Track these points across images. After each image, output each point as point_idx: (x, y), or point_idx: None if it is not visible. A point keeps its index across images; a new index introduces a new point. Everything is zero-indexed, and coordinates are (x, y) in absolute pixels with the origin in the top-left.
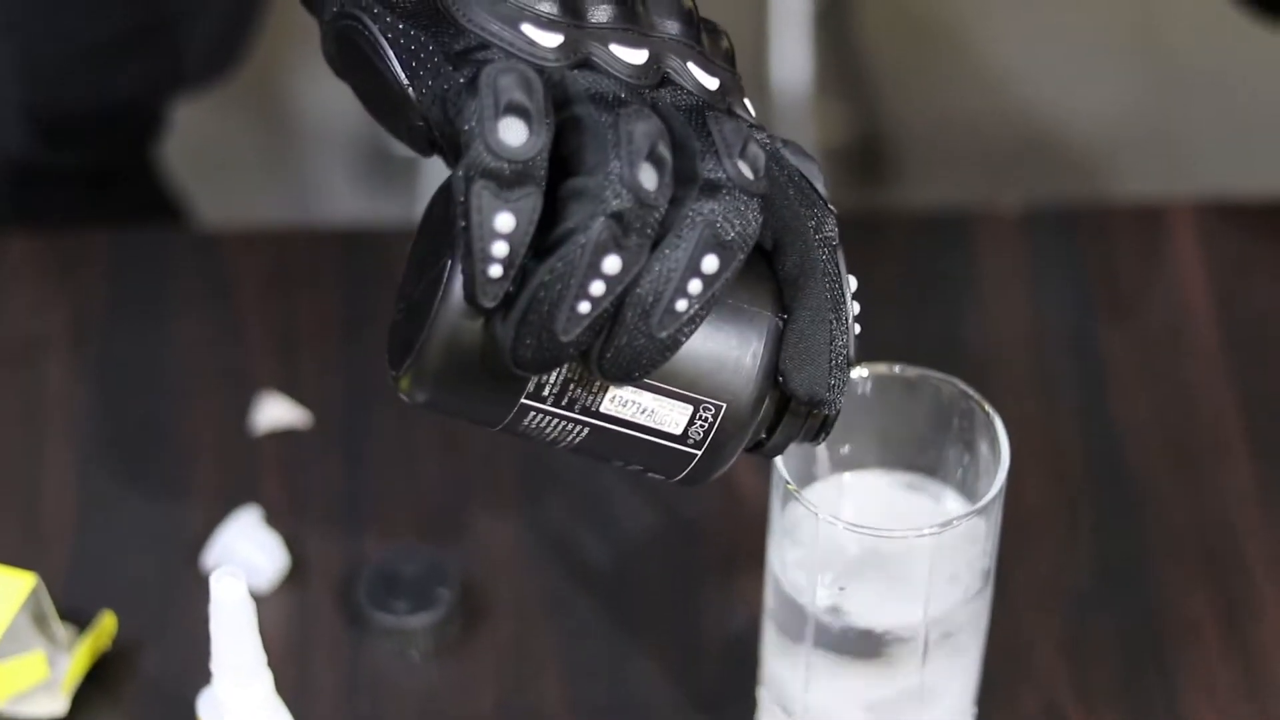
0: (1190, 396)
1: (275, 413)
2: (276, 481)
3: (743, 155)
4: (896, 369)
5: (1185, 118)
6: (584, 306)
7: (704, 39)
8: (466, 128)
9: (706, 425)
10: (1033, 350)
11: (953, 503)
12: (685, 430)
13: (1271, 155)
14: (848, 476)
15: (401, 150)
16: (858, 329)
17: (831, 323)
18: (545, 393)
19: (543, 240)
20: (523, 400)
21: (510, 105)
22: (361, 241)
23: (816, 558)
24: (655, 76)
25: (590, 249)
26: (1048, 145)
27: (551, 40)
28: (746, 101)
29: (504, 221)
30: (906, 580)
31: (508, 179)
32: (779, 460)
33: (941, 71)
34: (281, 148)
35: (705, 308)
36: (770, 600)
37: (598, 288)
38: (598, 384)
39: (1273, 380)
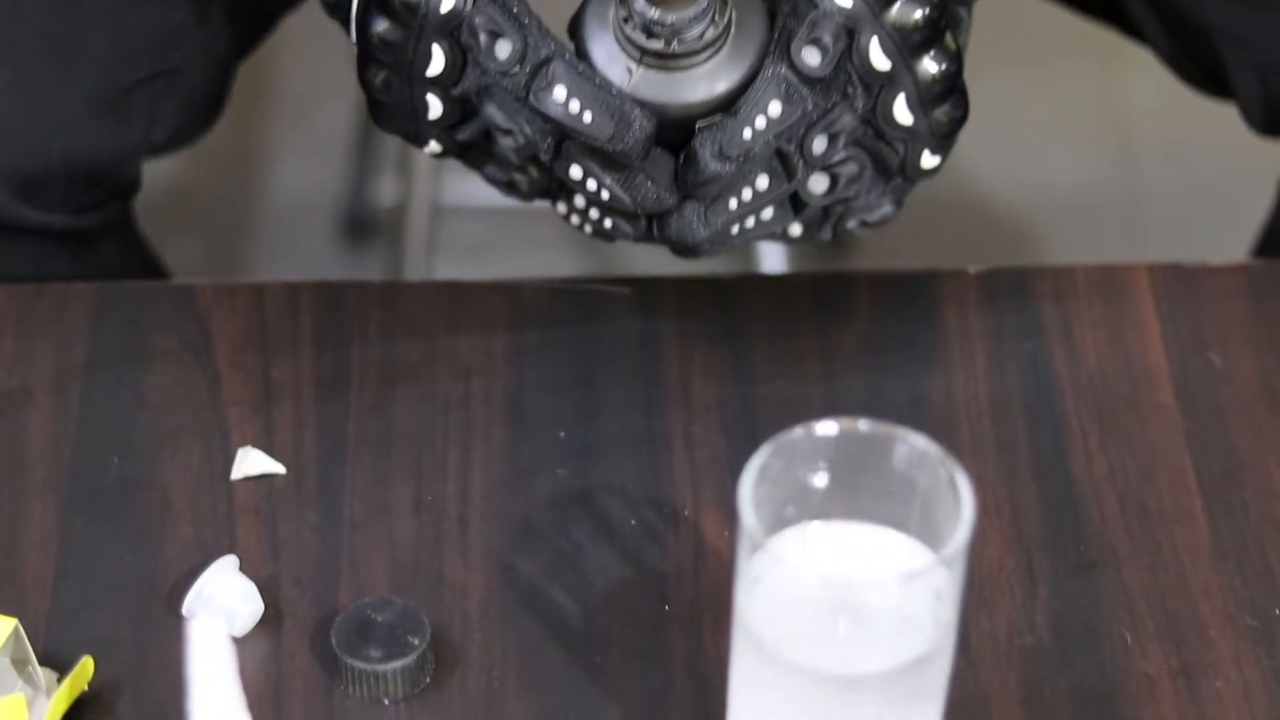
0: (1147, 456)
1: (251, 465)
2: (252, 533)
3: None
4: (861, 424)
5: (1144, 190)
6: None
7: None
8: None
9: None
10: (993, 409)
11: (918, 555)
12: None
13: (1229, 226)
14: (813, 527)
15: (379, 216)
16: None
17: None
18: None
19: None
20: None
21: None
22: (339, 295)
23: (782, 606)
24: None
25: None
26: (1009, 217)
27: None
28: None
29: None
30: (872, 630)
31: None
32: (746, 510)
33: None
34: (258, 217)
35: None
36: (737, 649)
37: None
38: None
39: (1229, 440)
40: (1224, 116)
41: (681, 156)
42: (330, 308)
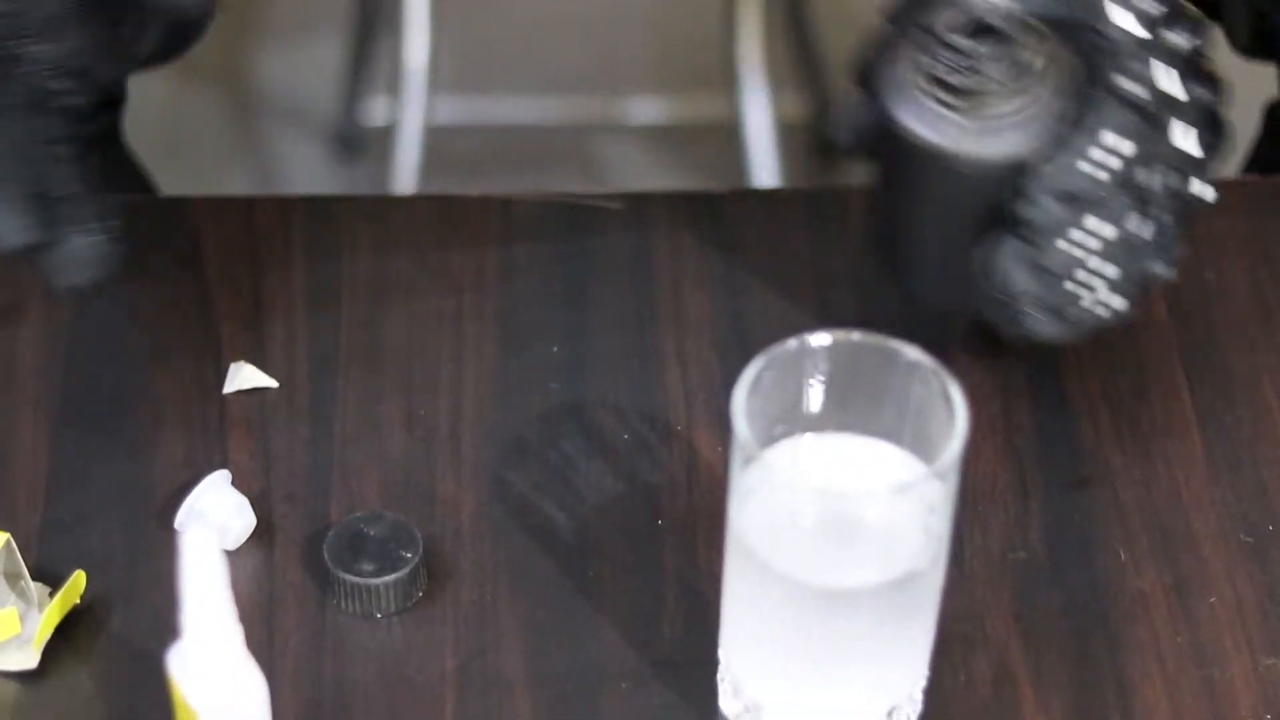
0: (1141, 372)
1: (244, 379)
2: (243, 448)
3: None
4: (854, 336)
5: None
6: None
7: None
8: None
9: None
10: (986, 325)
11: (911, 468)
12: None
13: None
14: (806, 439)
15: (369, 136)
16: None
17: None
18: None
19: None
20: None
21: None
22: (330, 210)
23: (775, 519)
24: None
25: None
26: None
27: None
28: None
29: None
30: (865, 542)
31: None
32: (739, 422)
33: None
34: (247, 127)
35: None
36: (731, 562)
37: None
38: None
39: (1222, 356)
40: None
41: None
42: (321, 222)
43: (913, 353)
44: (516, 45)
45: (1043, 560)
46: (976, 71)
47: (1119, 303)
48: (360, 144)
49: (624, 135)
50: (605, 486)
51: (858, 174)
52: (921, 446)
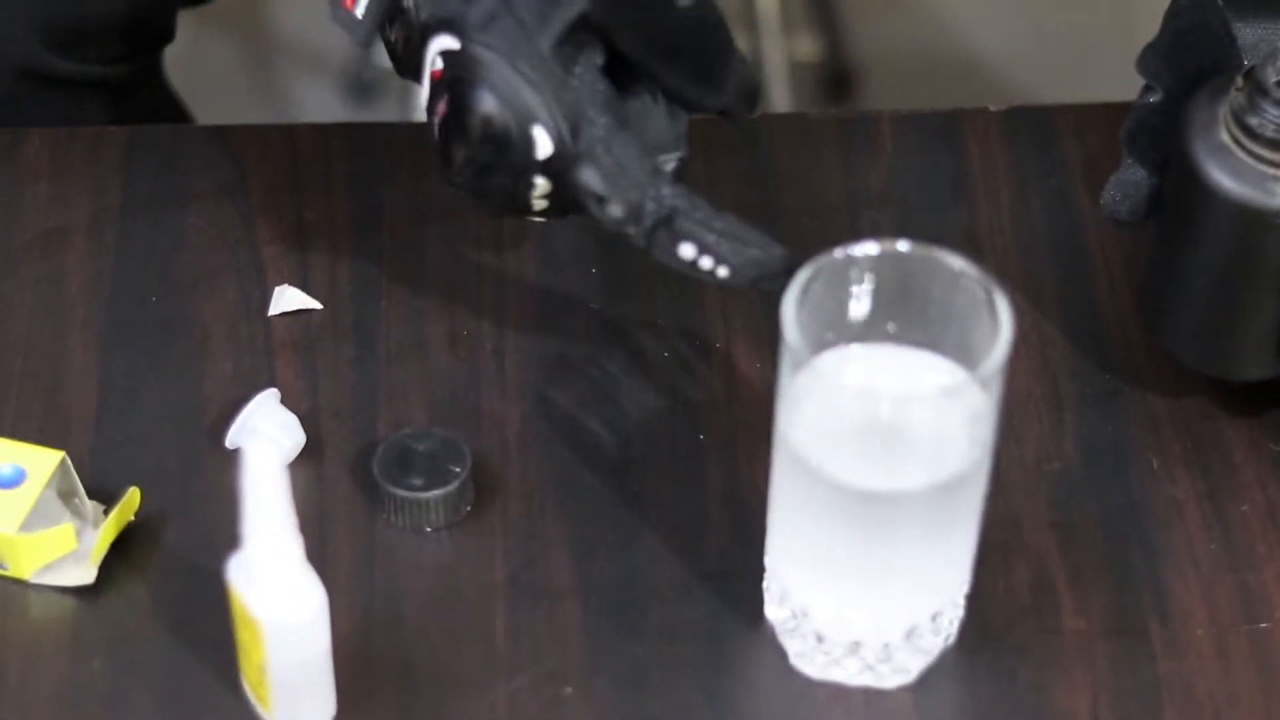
0: None
1: (289, 301)
2: (290, 368)
3: None
4: (900, 245)
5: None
6: None
7: None
8: None
9: None
10: (1018, 242)
11: (956, 375)
12: None
13: None
14: (854, 348)
15: (385, 78)
16: None
17: None
18: None
19: None
20: None
21: None
22: (369, 137)
23: (824, 424)
24: None
25: None
26: (1016, 68)
27: None
28: None
29: None
30: (910, 447)
31: None
32: (790, 328)
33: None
34: (263, 71)
35: None
36: (778, 468)
37: None
38: None
39: None
40: None
41: None
42: (361, 149)
43: (957, 262)
44: None
45: (1077, 470)
46: None
47: None
48: (375, 89)
49: None
50: (647, 403)
51: (876, 104)
52: (965, 355)
